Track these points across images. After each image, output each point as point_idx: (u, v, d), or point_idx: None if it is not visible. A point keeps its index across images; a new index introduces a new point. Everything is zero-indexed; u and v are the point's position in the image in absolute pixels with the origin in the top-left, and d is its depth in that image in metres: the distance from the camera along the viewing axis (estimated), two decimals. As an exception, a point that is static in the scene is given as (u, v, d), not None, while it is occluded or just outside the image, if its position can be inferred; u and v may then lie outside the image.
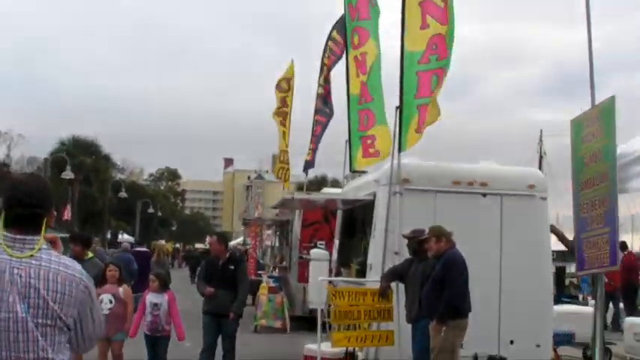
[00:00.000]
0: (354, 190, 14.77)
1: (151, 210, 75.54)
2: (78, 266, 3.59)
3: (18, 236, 3.43)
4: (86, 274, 3.62)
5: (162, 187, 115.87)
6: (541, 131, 67.72)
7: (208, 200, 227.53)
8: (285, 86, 25.36)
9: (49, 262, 3.45)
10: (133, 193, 68.94)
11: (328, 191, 22.34)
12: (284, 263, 21.90)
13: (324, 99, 21.38)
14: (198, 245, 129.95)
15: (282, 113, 25.39)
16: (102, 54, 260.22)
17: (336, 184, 66.19)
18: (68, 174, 43.40)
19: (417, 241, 10.31)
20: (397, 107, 12.17)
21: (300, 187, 65.82)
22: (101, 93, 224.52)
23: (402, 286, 10.80)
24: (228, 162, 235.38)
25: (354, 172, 16.92)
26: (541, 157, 65.89)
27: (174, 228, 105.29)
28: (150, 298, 10.89)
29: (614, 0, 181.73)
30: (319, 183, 64.87)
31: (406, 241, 10.77)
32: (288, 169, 25.57)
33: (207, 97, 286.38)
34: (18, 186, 3.54)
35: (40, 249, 3.45)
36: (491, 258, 11.97)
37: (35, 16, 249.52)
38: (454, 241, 9.77)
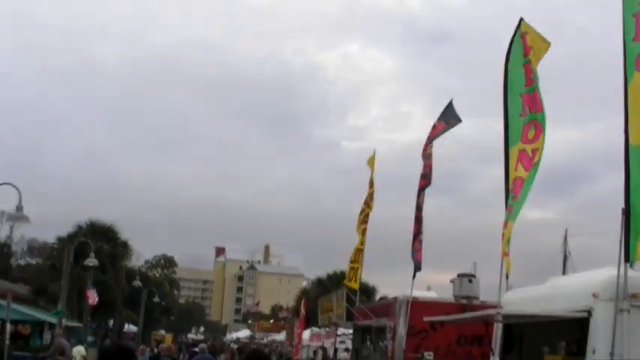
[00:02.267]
0: (535, 301, 12.87)
1: (156, 299, 73.25)
2: None
3: None
4: None
5: (157, 275, 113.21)
6: (566, 231, 66.41)
7: (197, 289, 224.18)
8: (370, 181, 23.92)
9: None
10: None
11: (428, 295, 20.51)
12: (379, 374, 19.80)
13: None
14: (190, 336, 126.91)
15: (365, 210, 23.80)
16: (91, 137, 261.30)
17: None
18: (92, 261, 41.20)
19: None
20: (623, 210, 10.47)
21: (320, 283, 63.83)
22: (93, 178, 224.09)
23: None
24: (220, 251, 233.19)
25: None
26: (565, 257, 64.36)
27: (172, 318, 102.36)
28: None
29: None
30: (339, 279, 62.55)
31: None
32: (359, 268, 23.72)
33: (199, 185, 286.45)
34: None
35: None
36: None
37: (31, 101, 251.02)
38: None
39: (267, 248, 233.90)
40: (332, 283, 61.77)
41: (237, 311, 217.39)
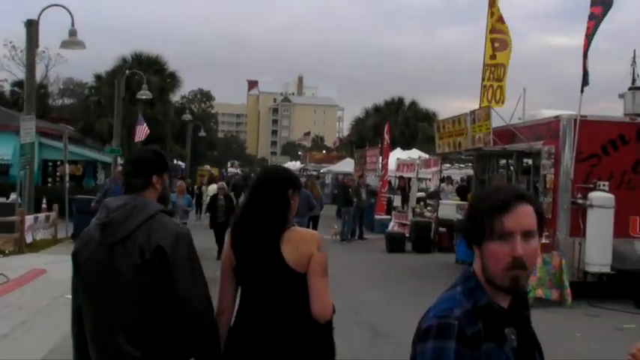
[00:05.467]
0: None
1: (201, 133, 70.41)
2: None
3: None
4: None
5: (195, 110, 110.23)
6: (634, 52, 60.95)
7: (232, 123, 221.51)
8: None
9: None
10: (180, 115, 63.77)
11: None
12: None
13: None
14: (231, 170, 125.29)
15: (493, 15, 19.70)
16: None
17: (414, 105, 60.50)
18: (145, 93, 37.81)
19: None
20: None
21: (377, 110, 60.17)
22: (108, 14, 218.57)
23: None
24: (253, 84, 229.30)
25: None
26: (634, 80, 59.60)
27: (215, 153, 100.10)
28: None
29: None
30: (396, 106, 58.99)
31: None
32: (501, 86, 19.61)
33: (221, 21, 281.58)
34: None
35: None
36: None
37: None
38: None
39: (300, 80, 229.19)
40: (390, 110, 58.23)
41: (273, 144, 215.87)
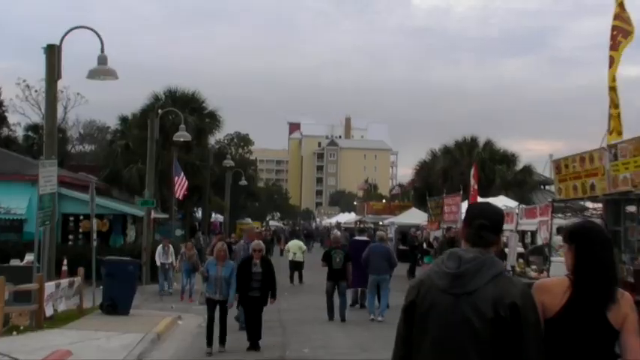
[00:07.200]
0: None
1: (242, 181, 68.72)
2: None
3: None
4: None
5: (232, 155, 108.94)
6: None
7: (270, 171, 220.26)
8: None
9: None
10: (219, 161, 62.26)
11: None
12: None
13: None
14: (273, 223, 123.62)
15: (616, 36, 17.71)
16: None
17: (489, 145, 57.82)
18: (183, 134, 36.03)
19: None
20: None
21: (446, 152, 58.08)
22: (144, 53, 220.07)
23: None
24: (294, 127, 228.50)
25: None
26: None
27: (257, 204, 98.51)
28: None
29: None
30: (469, 147, 56.57)
31: None
32: (618, 114, 17.48)
33: (257, 56, 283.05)
34: None
35: None
36: None
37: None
38: None
39: (347, 121, 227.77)
40: (461, 152, 55.94)
41: (319, 193, 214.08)
